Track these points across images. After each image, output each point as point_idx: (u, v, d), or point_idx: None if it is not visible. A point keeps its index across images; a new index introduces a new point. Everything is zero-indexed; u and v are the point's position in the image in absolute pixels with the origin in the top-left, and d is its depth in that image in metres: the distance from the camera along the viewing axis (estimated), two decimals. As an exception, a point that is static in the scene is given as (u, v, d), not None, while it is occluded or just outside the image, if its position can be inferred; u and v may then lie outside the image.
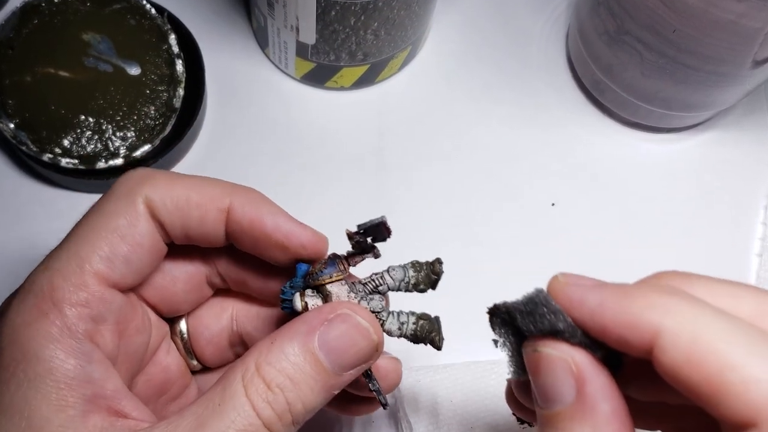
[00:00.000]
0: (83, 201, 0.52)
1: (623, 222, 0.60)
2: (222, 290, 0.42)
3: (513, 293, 0.32)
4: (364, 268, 0.38)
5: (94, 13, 0.56)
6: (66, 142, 0.53)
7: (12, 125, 0.53)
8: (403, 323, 0.37)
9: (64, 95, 0.54)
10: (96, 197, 0.37)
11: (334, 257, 0.37)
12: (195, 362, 0.42)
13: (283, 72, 0.61)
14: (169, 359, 0.41)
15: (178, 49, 0.56)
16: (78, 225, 0.35)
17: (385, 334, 0.37)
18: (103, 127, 0.54)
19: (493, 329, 0.33)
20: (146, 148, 0.54)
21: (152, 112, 0.55)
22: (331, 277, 0.36)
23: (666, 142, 0.62)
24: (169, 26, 0.57)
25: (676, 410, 0.32)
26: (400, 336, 0.37)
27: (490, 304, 0.32)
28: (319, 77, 0.60)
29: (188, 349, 0.42)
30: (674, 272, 0.30)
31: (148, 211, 0.35)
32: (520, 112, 0.62)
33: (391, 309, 0.38)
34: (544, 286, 0.31)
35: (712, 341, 0.25)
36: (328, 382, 0.33)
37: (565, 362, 0.29)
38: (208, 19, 0.62)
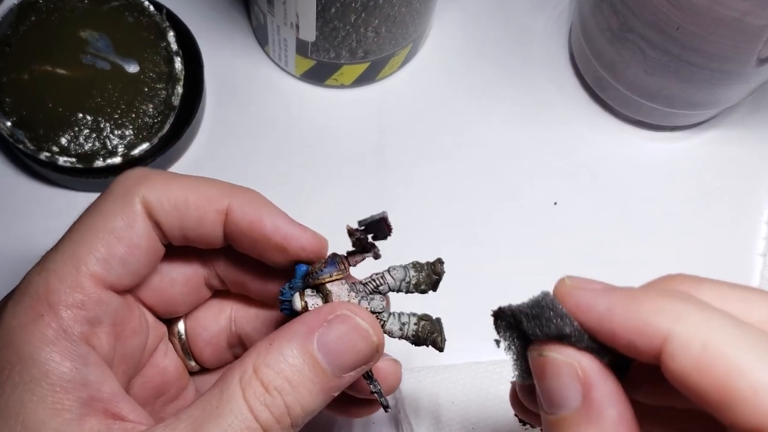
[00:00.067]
0: (81, 200, 0.52)
1: (626, 221, 0.59)
2: (220, 291, 0.42)
3: (515, 293, 0.32)
4: (364, 270, 0.38)
5: (92, 10, 0.55)
6: (63, 141, 0.53)
7: (9, 123, 0.53)
8: (404, 324, 0.36)
9: (61, 93, 0.53)
10: (94, 196, 0.37)
11: (334, 257, 0.37)
12: (193, 363, 0.42)
13: (282, 70, 0.61)
14: (166, 361, 0.41)
15: (176, 47, 0.56)
16: (74, 225, 0.35)
17: (385, 335, 0.36)
18: (101, 126, 0.53)
19: (498, 332, 0.32)
20: (144, 146, 0.54)
21: (150, 110, 0.55)
22: (331, 276, 0.36)
23: (669, 141, 0.62)
24: (167, 23, 0.56)
25: (684, 414, 0.31)
26: (401, 337, 0.37)
27: (495, 307, 0.32)
28: (319, 75, 0.59)
29: (186, 350, 0.42)
30: (683, 276, 0.30)
31: (146, 212, 0.35)
32: (522, 110, 0.62)
33: (391, 310, 0.37)
34: (546, 286, 0.31)
35: (722, 347, 0.25)
36: (328, 385, 0.33)
37: (571, 367, 0.28)
38: (207, 16, 0.62)
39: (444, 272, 0.37)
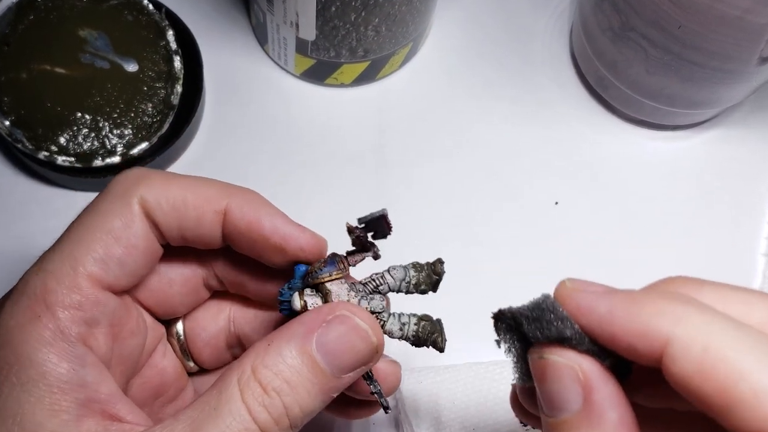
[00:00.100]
0: (80, 199, 0.52)
1: (627, 221, 0.59)
2: (219, 292, 0.41)
3: (516, 293, 0.32)
4: (364, 271, 0.38)
5: (91, 8, 0.55)
6: (62, 140, 0.53)
7: (7, 123, 0.52)
8: (404, 324, 0.36)
9: (60, 92, 0.53)
10: (93, 196, 0.36)
11: (334, 256, 0.37)
12: (192, 364, 0.42)
13: (282, 69, 0.61)
14: (165, 362, 0.40)
15: (176, 46, 0.56)
16: (72, 226, 0.35)
17: (385, 335, 0.36)
18: (100, 125, 0.53)
19: (498, 334, 0.32)
20: (143, 145, 0.54)
21: (150, 109, 0.54)
22: (330, 276, 0.36)
23: (671, 140, 0.62)
24: (166, 22, 0.56)
25: (685, 417, 0.31)
26: (401, 338, 0.37)
27: (495, 309, 0.32)
28: (319, 74, 0.59)
29: (185, 350, 0.41)
30: (683, 278, 0.30)
31: (144, 212, 0.35)
32: (523, 109, 0.62)
33: (391, 311, 0.37)
34: (547, 286, 0.30)
35: (724, 350, 0.25)
36: (327, 385, 0.33)
37: (571, 370, 0.28)
38: (206, 15, 0.62)
39: (444, 272, 0.37)
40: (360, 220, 0.35)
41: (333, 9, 0.51)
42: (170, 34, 0.56)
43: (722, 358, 0.25)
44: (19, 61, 0.53)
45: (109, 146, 0.53)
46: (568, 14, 0.65)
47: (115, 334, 0.35)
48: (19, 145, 0.52)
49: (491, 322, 0.32)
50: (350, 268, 0.37)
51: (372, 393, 0.36)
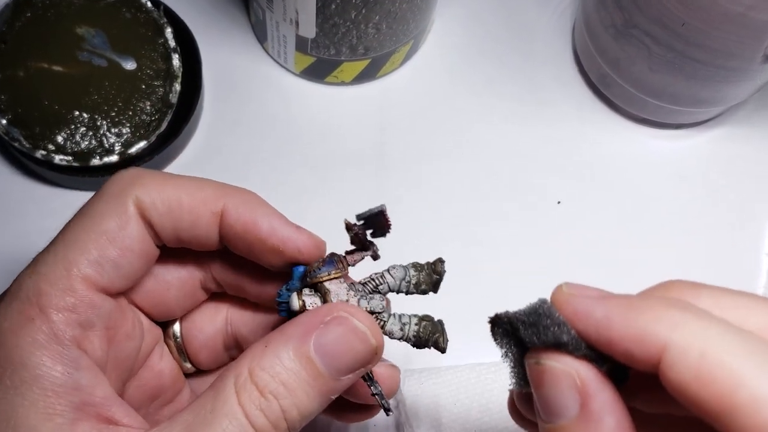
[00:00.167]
0: (77, 199, 0.52)
1: (630, 220, 0.59)
2: (217, 294, 0.41)
3: (518, 293, 0.31)
4: (363, 272, 0.38)
5: (89, 6, 0.55)
6: (60, 139, 0.53)
7: (4, 121, 0.52)
8: (405, 324, 0.36)
9: (57, 90, 0.53)
10: (90, 195, 0.36)
11: (333, 256, 0.36)
12: (189, 365, 0.42)
13: (282, 67, 0.61)
14: (162, 364, 0.40)
15: (174, 43, 0.56)
16: (66, 227, 0.35)
17: (385, 336, 0.36)
18: (98, 123, 0.53)
19: (495, 339, 0.32)
20: (142, 144, 0.54)
21: (148, 107, 0.54)
22: (329, 275, 0.35)
23: (674, 139, 0.62)
24: (165, 20, 0.56)
25: (682, 422, 0.31)
26: (401, 338, 0.36)
27: (492, 314, 0.32)
28: (319, 72, 0.59)
29: (182, 352, 0.41)
30: (680, 282, 0.30)
31: (139, 214, 0.35)
32: (525, 108, 0.62)
33: (392, 311, 0.37)
34: (550, 286, 0.30)
35: (722, 357, 0.25)
36: (325, 387, 0.32)
37: (568, 376, 0.28)
38: (205, 12, 0.61)
39: (445, 271, 0.37)
40: (358, 217, 0.35)
41: (333, 6, 0.51)
42: (169, 32, 0.56)
43: (720, 364, 0.25)
44: (16, 59, 0.53)
45: (107, 145, 0.53)
46: (570, 11, 0.65)
47: (110, 336, 0.35)
48: (16, 144, 0.52)
49: (488, 326, 0.32)
50: (349, 268, 0.37)
51: (373, 394, 0.36)
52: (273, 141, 0.59)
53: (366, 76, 0.60)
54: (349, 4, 0.51)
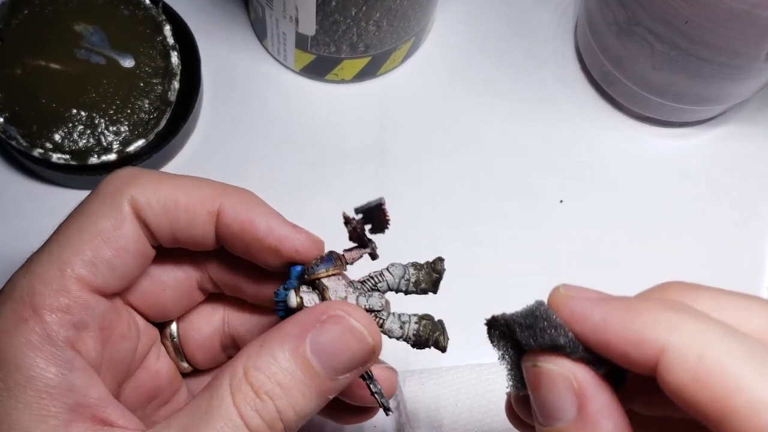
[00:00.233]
0: (75, 198, 0.50)
1: (633, 220, 0.59)
2: (214, 294, 0.41)
3: (519, 293, 0.31)
4: (361, 272, 0.37)
5: (87, 3, 0.55)
6: (57, 137, 0.52)
7: (1, 119, 0.52)
8: (404, 323, 0.36)
9: (55, 88, 0.53)
10: (88, 194, 0.36)
11: (331, 253, 0.36)
12: (186, 365, 0.42)
13: (281, 64, 0.60)
14: (158, 364, 0.40)
15: (173, 41, 0.56)
16: (61, 227, 0.34)
17: (385, 335, 0.35)
18: (96, 122, 0.53)
19: (492, 341, 0.32)
20: (140, 143, 0.54)
21: (146, 105, 0.54)
22: (327, 271, 0.35)
23: (678, 137, 0.61)
24: (163, 17, 0.56)
25: (681, 424, 0.31)
26: (401, 337, 0.36)
27: (488, 316, 0.31)
28: (319, 70, 0.59)
29: (179, 352, 0.41)
30: (679, 283, 0.30)
31: (134, 214, 0.34)
32: (526, 106, 0.61)
33: (391, 310, 0.36)
34: (552, 286, 0.30)
35: (720, 360, 0.25)
36: (322, 387, 0.32)
37: (566, 378, 0.28)
38: (204, 9, 0.61)
39: (444, 270, 0.36)
40: (357, 210, 0.34)
41: (333, 3, 0.51)
42: (167, 29, 0.56)
43: (718, 367, 0.25)
44: (14, 57, 0.53)
45: (105, 143, 0.53)
46: (572, 9, 0.65)
47: (105, 337, 0.35)
48: (13, 142, 0.52)
49: (485, 328, 0.32)
50: (348, 266, 0.36)
51: (372, 393, 0.36)
52: (272, 139, 0.58)
53: (366, 73, 0.59)
54: (349, 2, 0.51)
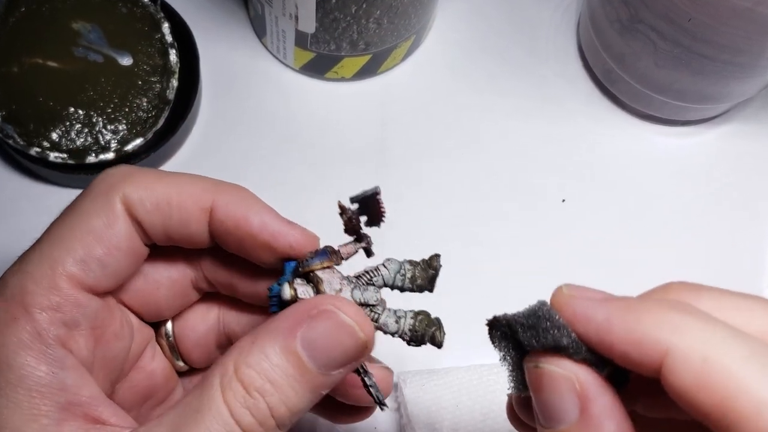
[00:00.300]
0: (72, 197, 0.50)
1: (634, 219, 0.58)
2: (209, 294, 0.41)
3: (521, 294, 0.31)
4: (356, 269, 0.37)
5: (84, 1, 0.55)
6: (54, 136, 0.52)
7: (-2, 118, 0.52)
8: (400, 318, 0.35)
9: (52, 86, 0.53)
10: (85, 193, 0.36)
11: (326, 248, 0.36)
12: (181, 363, 0.41)
13: (281, 62, 0.60)
14: (153, 364, 0.40)
15: (171, 39, 0.55)
16: (52, 225, 0.34)
17: (380, 331, 0.35)
18: (94, 120, 0.53)
19: (493, 342, 0.32)
20: (138, 141, 0.53)
21: (144, 104, 0.54)
22: (322, 264, 0.35)
23: (681, 136, 0.61)
24: (162, 14, 0.56)
25: (684, 426, 0.31)
26: (396, 333, 0.35)
27: (490, 316, 0.31)
28: (319, 67, 0.59)
29: (174, 350, 0.41)
30: (681, 283, 0.29)
31: (127, 211, 0.34)
32: (528, 104, 0.61)
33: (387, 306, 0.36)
34: (554, 286, 0.30)
35: (724, 362, 0.25)
36: (314, 383, 0.32)
37: (568, 380, 0.28)
38: (202, 7, 0.61)
39: (441, 266, 0.36)
40: (352, 199, 0.34)
41: (333, 1, 0.51)
42: (166, 27, 0.55)
43: (722, 369, 0.24)
44: (10, 55, 0.53)
45: (102, 142, 0.53)
46: (575, 6, 0.65)
47: (97, 336, 0.34)
48: (10, 141, 0.52)
49: (486, 328, 0.32)
50: (343, 261, 0.36)
51: (366, 387, 0.35)
52: (272, 138, 0.58)
53: (367, 71, 0.59)
54: (349, -1, 0.51)
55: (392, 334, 0.35)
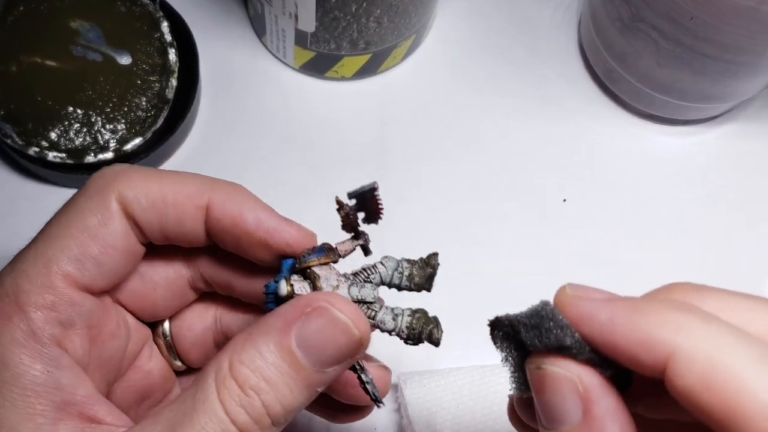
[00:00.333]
0: (70, 197, 0.51)
1: (635, 219, 0.58)
2: (206, 294, 0.41)
3: (521, 294, 0.31)
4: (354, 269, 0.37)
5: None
6: (53, 135, 0.52)
7: (-4, 117, 0.52)
8: (397, 315, 0.35)
9: (51, 86, 0.53)
10: (84, 193, 0.36)
11: (324, 245, 0.35)
12: (179, 363, 0.41)
13: (281, 61, 0.60)
14: (151, 364, 0.40)
15: (170, 38, 0.55)
16: (48, 224, 0.34)
17: (377, 329, 0.35)
18: (92, 120, 0.53)
19: (494, 343, 0.31)
20: (137, 141, 0.53)
21: (143, 103, 0.54)
22: (319, 260, 0.34)
23: (683, 135, 0.61)
24: (161, 13, 0.56)
25: (686, 428, 0.30)
26: (393, 331, 0.35)
27: (492, 317, 0.31)
28: (318, 67, 0.58)
29: (172, 350, 0.41)
30: (685, 284, 0.29)
31: (122, 210, 0.34)
32: (528, 104, 0.61)
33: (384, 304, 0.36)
34: (557, 285, 0.30)
35: (730, 363, 0.24)
36: (309, 381, 0.31)
37: (570, 381, 0.28)
38: (202, 6, 0.61)
39: (438, 265, 0.36)
40: (350, 194, 0.34)
41: (333, 0, 0.51)
42: (165, 26, 0.55)
43: (727, 370, 0.24)
44: (9, 54, 0.53)
45: (101, 142, 0.53)
46: (576, 5, 0.65)
47: (92, 335, 0.34)
48: (9, 141, 0.51)
49: (488, 329, 0.32)
50: (340, 258, 0.36)
51: (363, 384, 0.35)
52: (271, 138, 0.58)
53: (367, 71, 0.59)
54: (349, -2, 0.51)
55: (389, 332, 0.35)
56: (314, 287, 0.34)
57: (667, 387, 0.26)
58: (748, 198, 0.60)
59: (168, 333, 0.40)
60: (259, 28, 0.59)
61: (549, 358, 0.28)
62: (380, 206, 0.34)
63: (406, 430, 0.49)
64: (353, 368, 0.34)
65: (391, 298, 0.36)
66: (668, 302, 0.27)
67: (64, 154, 0.52)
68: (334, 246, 0.35)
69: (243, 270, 0.38)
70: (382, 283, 0.36)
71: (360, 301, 0.34)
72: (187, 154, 0.57)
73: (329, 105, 0.59)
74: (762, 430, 0.23)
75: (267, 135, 0.58)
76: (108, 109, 0.53)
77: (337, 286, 0.34)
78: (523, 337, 0.29)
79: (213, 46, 0.59)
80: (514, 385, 0.32)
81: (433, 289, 0.36)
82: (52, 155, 0.52)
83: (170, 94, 0.54)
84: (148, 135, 0.53)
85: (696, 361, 0.25)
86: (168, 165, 0.57)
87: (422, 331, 0.35)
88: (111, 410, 0.32)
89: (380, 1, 0.52)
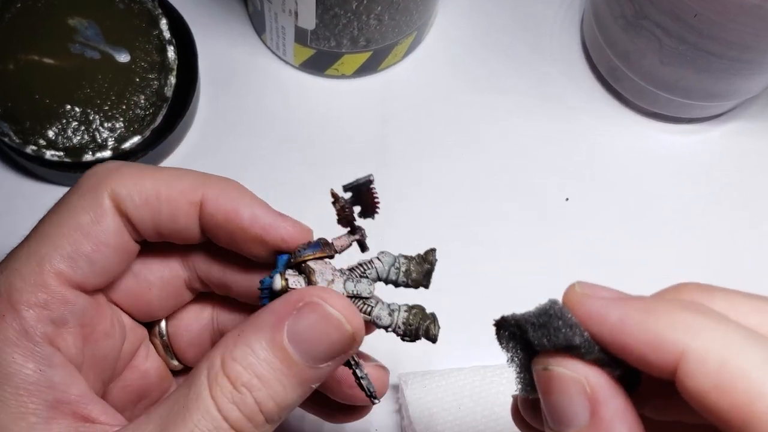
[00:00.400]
0: (68, 195, 0.51)
1: (638, 218, 0.58)
2: (202, 294, 0.40)
3: (521, 294, 0.31)
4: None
5: (81, -3, 0.55)
6: (51, 134, 0.52)
7: (-7, 115, 0.52)
8: (393, 311, 0.34)
9: (48, 84, 0.52)
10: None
11: (319, 240, 0.35)
12: (176, 362, 0.41)
13: (281, 59, 0.60)
14: (147, 364, 0.39)
15: (169, 35, 0.55)
16: (41, 222, 0.34)
17: (373, 325, 0.35)
18: (90, 118, 0.52)
19: (500, 343, 0.31)
20: (136, 139, 0.53)
21: (142, 101, 0.54)
22: (314, 254, 0.34)
23: (686, 133, 0.61)
24: (160, 10, 0.56)
25: (693, 429, 0.30)
26: (389, 327, 0.35)
27: (498, 317, 0.31)
28: (319, 64, 0.58)
29: (168, 349, 0.41)
30: (694, 284, 0.29)
31: (115, 207, 0.34)
32: (530, 102, 0.61)
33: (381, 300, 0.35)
34: (561, 285, 0.29)
35: (742, 365, 0.24)
36: (302, 377, 0.31)
37: (578, 382, 0.27)
38: (201, 3, 0.61)
39: (436, 261, 0.35)
40: (345, 187, 0.33)
41: (333, -3, 0.51)
42: (163, 23, 0.55)
43: (740, 373, 0.24)
44: (6, 51, 0.53)
45: (99, 140, 0.52)
46: (578, 2, 0.64)
47: (86, 334, 0.34)
48: (6, 139, 0.51)
49: (493, 328, 0.31)
50: (336, 254, 0.36)
51: (357, 380, 0.35)
52: (271, 136, 0.58)
53: (367, 68, 0.59)
54: (349, -5, 0.51)
55: (385, 328, 0.35)
56: (309, 282, 0.34)
57: (678, 388, 0.26)
58: (752, 196, 0.59)
59: (164, 333, 0.40)
60: (258, 26, 0.59)
61: (556, 358, 0.28)
62: (376, 200, 0.34)
63: (406, 430, 0.49)
64: (348, 364, 0.34)
65: (391, 297, 0.36)
66: (679, 302, 0.27)
67: (61, 153, 0.52)
68: (330, 241, 0.35)
69: (238, 267, 0.38)
70: (379, 278, 0.35)
71: (355, 297, 0.34)
72: (186, 153, 0.57)
73: (329, 103, 0.59)
74: None
75: (267, 133, 0.58)
76: (106, 107, 0.53)
77: (332, 280, 0.34)
78: (531, 337, 0.28)
79: (212, 43, 0.59)
80: (519, 386, 0.31)
81: (433, 288, 0.36)
82: (49, 154, 0.51)
83: (169, 91, 0.54)
84: (147, 133, 0.53)
85: (707, 362, 0.25)
86: (167, 163, 0.57)
87: (419, 327, 0.34)
88: (105, 409, 0.32)
89: (381, -2, 0.52)
